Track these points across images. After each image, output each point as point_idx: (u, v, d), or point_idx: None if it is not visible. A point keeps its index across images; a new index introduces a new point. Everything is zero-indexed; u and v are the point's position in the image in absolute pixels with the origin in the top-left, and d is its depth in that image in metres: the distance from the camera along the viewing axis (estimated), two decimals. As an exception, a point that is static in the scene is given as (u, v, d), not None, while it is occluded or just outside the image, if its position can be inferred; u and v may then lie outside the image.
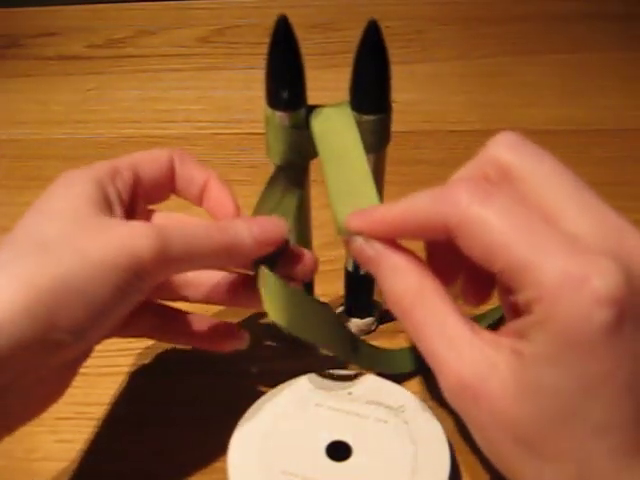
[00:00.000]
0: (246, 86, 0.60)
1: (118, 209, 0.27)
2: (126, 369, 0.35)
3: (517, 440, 0.21)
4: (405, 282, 0.24)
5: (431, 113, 0.56)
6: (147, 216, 0.31)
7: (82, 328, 0.24)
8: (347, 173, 0.28)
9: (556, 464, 0.21)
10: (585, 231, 0.21)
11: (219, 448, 0.29)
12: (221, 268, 0.31)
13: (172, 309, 0.32)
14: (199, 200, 0.31)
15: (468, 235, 0.22)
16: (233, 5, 0.73)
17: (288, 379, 0.32)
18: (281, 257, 0.30)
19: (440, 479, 0.28)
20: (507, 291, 0.23)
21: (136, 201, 0.29)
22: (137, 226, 0.25)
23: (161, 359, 0.36)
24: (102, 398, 0.33)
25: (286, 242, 0.29)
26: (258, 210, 0.30)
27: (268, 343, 0.37)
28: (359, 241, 0.25)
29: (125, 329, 0.30)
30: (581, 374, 0.20)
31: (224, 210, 0.30)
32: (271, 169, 0.31)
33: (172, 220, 0.31)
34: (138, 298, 0.26)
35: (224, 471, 0.28)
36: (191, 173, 0.31)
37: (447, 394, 0.23)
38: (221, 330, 0.32)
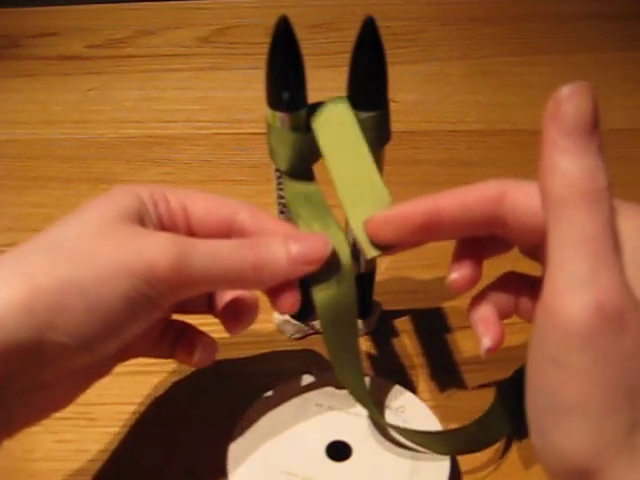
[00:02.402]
0: (246, 86, 0.60)
1: (151, 228, 0.26)
2: (126, 369, 0.35)
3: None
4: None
5: (431, 113, 0.56)
6: None
7: (85, 333, 0.22)
8: (353, 171, 0.28)
9: None
10: None
11: (219, 448, 0.29)
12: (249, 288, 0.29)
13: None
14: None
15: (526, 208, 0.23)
16: (233, 5, 0.73)
17: (288, 379, 0.32)
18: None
19: (440, 479, 0.28)
20: None
21: (177, 232, 0.26)
22: (159, 236, 0.24)
23: (161, 359, 0.36)
24: (102, 398, 0.33)
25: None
26: (293, 210, 0.30)
27: (268, 343, 0.37)
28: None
29: (155, 349, 0.30)
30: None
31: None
32: (271, 169, 0.31)
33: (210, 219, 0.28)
34: (154, 313, 0.24)
35: (224, 471, 0.29)
36: (265, 226, 0.28)
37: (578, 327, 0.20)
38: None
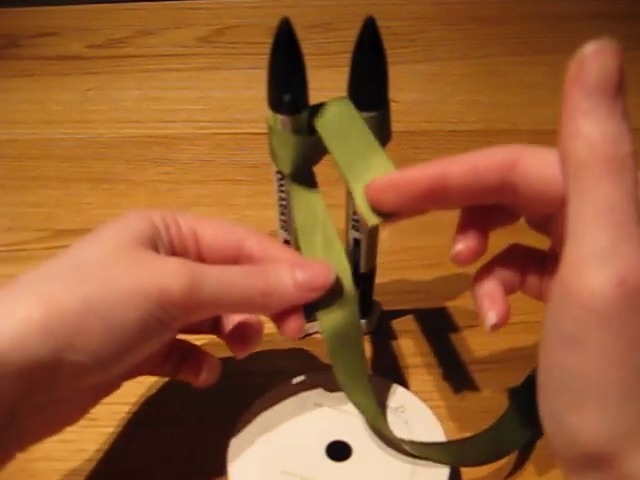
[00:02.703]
0: (246, 86, 0.60)
1: (165, 254, 0.27)
2: (126, 369, 0.35)
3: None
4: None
5: (431, 113, 0.56)
6: None
7: (102, 353, 0.23)
8: (361, 157, 0.27)
9: None
10: None
11: (219, 448, 0.29)
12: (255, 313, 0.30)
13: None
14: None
15: (543, 174, 0.22)
16: (233, 5, 0.73)
17: (288, 379, 0.32)
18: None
19: (440, 479, 0.28)
20: None
21: (188, 257, 0.27)
22: (171, 261, 0.25)
23: (161, 359, 0.36)
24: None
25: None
26: (297, 223, 0.30)
27: (268, 343, 0.37)
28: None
29: (160, 367, 0.30)
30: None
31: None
32: (271, 169, 0.31)
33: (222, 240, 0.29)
34: (165, 335, 0.25)
35: (224, 471, 0.28)
36: (272, 253, 0.28)
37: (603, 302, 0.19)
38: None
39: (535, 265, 0.27)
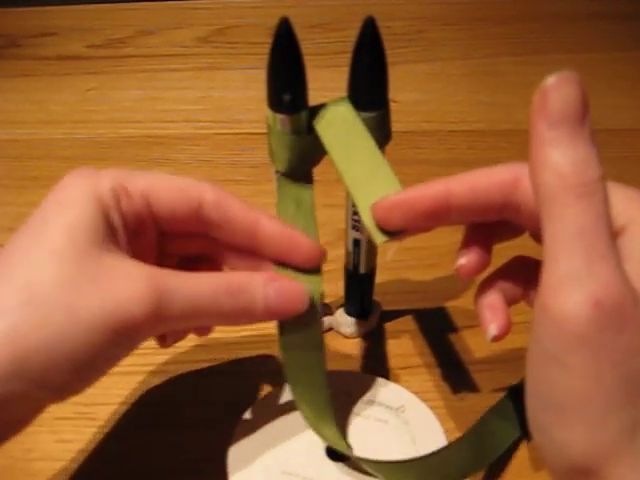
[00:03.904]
0: (246, 86, 0.60)
1: (122, 236, 0.25)
2: (126, 370, 0.35)
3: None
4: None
5: (431, 113, 0.56)
6: (159, 245, 0.28)
7: (67, 384, 0.23)
8: (362, 164, 0.28)
9: None
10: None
11: (219, 448, 0.29)
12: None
13: None
14: (251, 248, 0.27)
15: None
16: (233, 5, 0.73)
17: (288, 379, 0.32)
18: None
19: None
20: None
21: (145, 228, 0.26)
22: (133, 278, 0.23)
23: (161, 359, 0.36)
24: (102, 398, 0.33)
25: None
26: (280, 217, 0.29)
27: (268, 343, 0.37)
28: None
29: None
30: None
31: (297, 253, 0.27)
32: (271, 169, 0.31)
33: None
34: (134, 347, 0.24)
35: (224, 471, 0.28)
36: (231, 215, 0.27)
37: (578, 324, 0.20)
38: None
39: (537, 276, 0.27)
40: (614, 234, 0.21)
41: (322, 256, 0.27)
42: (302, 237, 0.27)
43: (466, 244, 0.27)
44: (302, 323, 0.27)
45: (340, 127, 0.28)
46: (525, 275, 0.27)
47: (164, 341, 0.29)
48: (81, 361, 0.22)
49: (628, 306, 0.20)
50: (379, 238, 0.27)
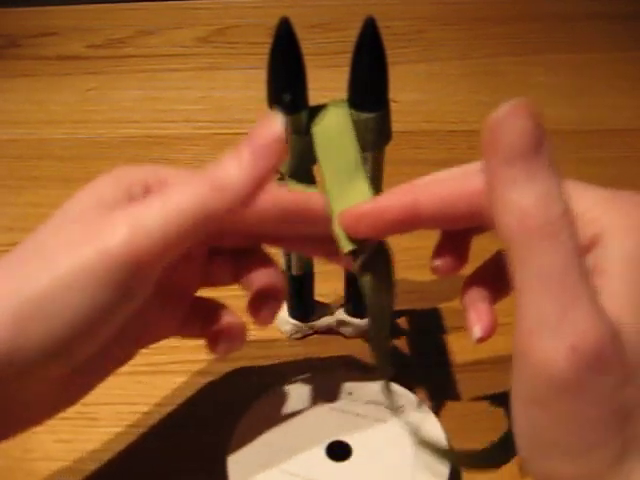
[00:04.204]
0: (246, 86, 0.60)
1: None
2: (126, 369, 0.35)
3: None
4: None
5: (431, 113, 0.56)
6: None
7: (61, 345, 0.21)
8: (342, 175, 0.28)
9: None
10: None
11: (219, 448, 0.29)
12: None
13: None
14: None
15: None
16: (233, 5, 0.73)
17: (288, 379, 0.32)
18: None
19: (440, 479, 0.28)
20: None
21: None
22: (105, 217, 0.22)
23: (161, 359, 0.36)
24: (102, 398, 0.33)
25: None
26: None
27: (268, 343, 0.37)
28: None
29: (183, 328, 0.28)
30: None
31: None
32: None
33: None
34: (134, 296, 0.22)
35: (224, 471, 0.28)
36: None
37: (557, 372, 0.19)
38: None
39: None
40: (589, 244, 0.20)
41: None
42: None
43: (440, 244, 0.26)
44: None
45: (331, 132, 0.28)
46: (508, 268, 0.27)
47: (215, 344, 0.28)
48: (70, 315, 0.21)
49: (607, 346, 0.19)
50: (346, 246, 0.26)
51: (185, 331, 0.28)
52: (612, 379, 0.19)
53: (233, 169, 0.22)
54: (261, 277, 0.28)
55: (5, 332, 0.20)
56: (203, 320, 0.28)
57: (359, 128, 0.28)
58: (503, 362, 0.35)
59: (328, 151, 0.28)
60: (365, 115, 0.28)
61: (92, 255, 0.21)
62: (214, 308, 0.28)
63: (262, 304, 0.27)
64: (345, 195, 0.27)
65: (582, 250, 0.20)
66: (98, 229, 0.22)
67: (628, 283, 0.20)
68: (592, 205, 0.21)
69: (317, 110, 0.29)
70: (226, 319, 0.28)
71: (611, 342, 0.19)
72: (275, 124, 0.23)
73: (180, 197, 0.22)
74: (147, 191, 0.24)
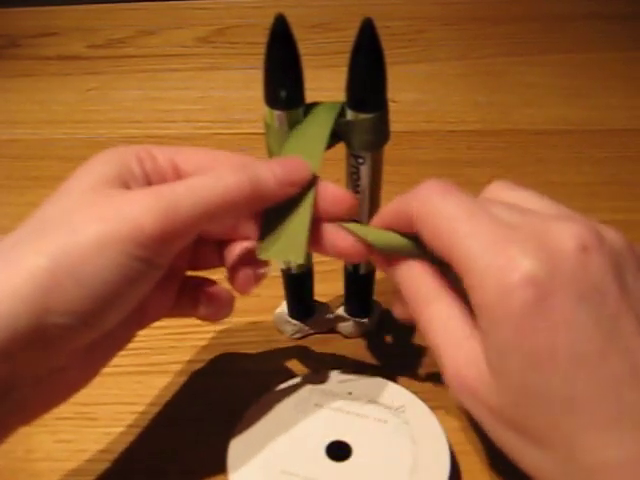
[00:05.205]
0: (246, 86, 0.60)
1: (135, 188, 0.25)
2: (126, 369, 0.35)
3: (508, 426, 0.22)
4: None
5: (431, 113, 0.56)
6: None
7: (82, 310, 0.22)
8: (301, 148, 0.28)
9: (545, 448, 0.21)
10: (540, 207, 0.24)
11: (219, 448, 0.29)
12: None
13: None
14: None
15: (427, 225, 0.24)
16: (233, 5, 0.73)
17: (288, 379, 0.32)
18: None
19: (440, 479, 0.28)
20: None
21: None
22: (137, 193, 0.24)
23: (161, 359, 0.36)
24: (102, 398, 0.33)
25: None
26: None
27: (268, 343, 0.37)
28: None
29: (175, 308, 0.29)
30: (523, 353, 0.21)
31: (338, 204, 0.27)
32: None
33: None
34: (153, 273, 0.24)
35: (224, 471, 0.29)
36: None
37: (450, 389, 0.24)
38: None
39: None
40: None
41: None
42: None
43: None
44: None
45: (308, 123, 0.29)
46: None
47: (203, 309, 0.29)
48: (92, 280, 0.22)
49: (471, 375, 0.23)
50: (262, 253, 0.27)
51: (177, 310, 0.29)
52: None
53: (270, 179, 0.26)
54: (240, 246, 0.28)
55: (40, 298, 0.21)
56: (192, 297, 0.29)
57: (357, 128, 0.28)
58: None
59: (294, 142, 0.28)
60: (363, 116, 0.28)
61: (124, 228, 0.22)
62: (202, 284, 0.29)
63: (240, 270, 0.28)
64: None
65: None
66: (127, 203, 0.23)
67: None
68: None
69: (311, 108, 0.29)
70: (213, 288, 0.29)
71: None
72: (308, 168, 0.27)
73: (211, 183, 0.24)
74: (142, 165, 0.26)
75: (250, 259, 0.28)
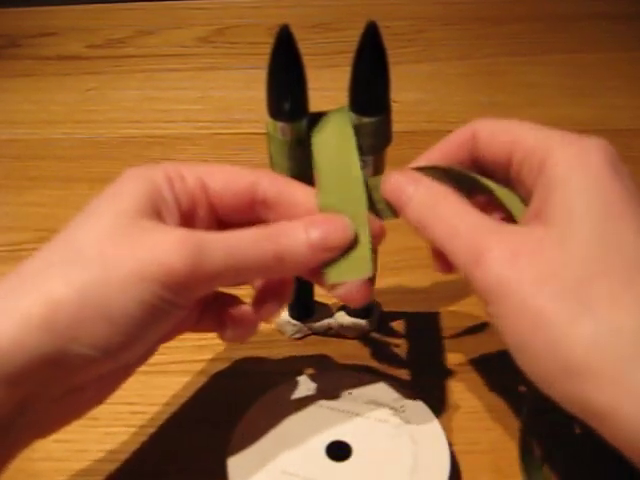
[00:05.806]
0: (246, 86, 0.60)
1: (171, 214, 0.25)
2: (126, 369, 0.35)
3: (563, 296, 0.21)
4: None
5: (432, 113, 0.56)
6: (212, 228, 0.28)
7: (107, 343, 0.22)
8: (340, 185, 0.27)
9: (611, 314, 0.20)
10: None
11: (219, 448, 0.29)
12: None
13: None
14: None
15: (494, 133, 0.26)
16: (233, 5, 0.73)
17: (288, 379, 0.32)
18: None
19: (440, 479, 0.28)
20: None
21: (199, 209, 0.27)
22: (171, 233, 0.23)
23: (161, 359, 0.36)
24: (102, 398, 0.33)
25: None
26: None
27: (268, 343, 0.37)
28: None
29: (199, 324, 0.29)
30: (603, 201, 0.22)
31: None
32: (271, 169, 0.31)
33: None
34: (176, 313, 0.24)
35: (224, 471, 0.28)
36: (287, 193, 0.27)
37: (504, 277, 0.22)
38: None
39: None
40: (539, 168, 0.24)
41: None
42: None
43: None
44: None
45: (330, 141, 0.28)
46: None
47: (225, 330, 0.28)
48: (118, 314, 0.22)
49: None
50: (332, 278, 0.26)
51: (201, 326, 0.29)
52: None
53: (300, 244, 0.25)
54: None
55: (66, 329, 0.21)
56: (217, 314, 0.29)
57: (360, 132, 0.28)
58: (504, 362, 0.35)
59: (326, 160, 0.28)
60: (366, 119, 0.28)
61: (154, 269, 0.22)
62: (227, 301, 0.29)
63: (265, 300, 0.28)
64: (339, 202, 0.27)
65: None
66: (160, 243, 0.23)
67: (593, 226, 0.22)
68: (543, 138, 0.25)
69: (317, 117, 0.29)
70: (238, 308, 0.28)
71: None
72: (349, 233, 0.26)
73: (244, 249, 0.24)
74: (172, 187, 0.26)
75: (277, 289, 0.28)
